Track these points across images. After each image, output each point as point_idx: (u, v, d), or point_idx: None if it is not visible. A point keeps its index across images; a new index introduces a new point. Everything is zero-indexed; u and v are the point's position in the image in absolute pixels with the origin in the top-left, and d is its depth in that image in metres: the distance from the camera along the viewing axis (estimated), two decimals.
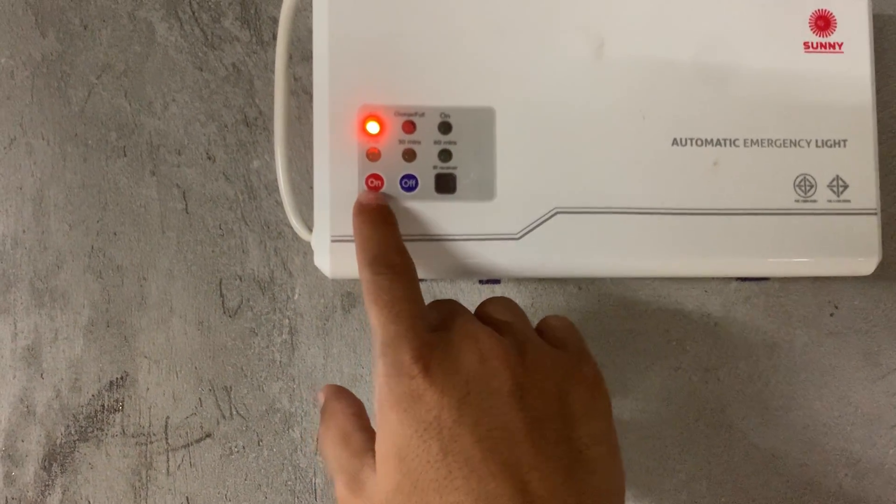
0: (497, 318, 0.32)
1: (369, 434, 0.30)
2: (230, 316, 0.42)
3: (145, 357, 0.42)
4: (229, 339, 0.42)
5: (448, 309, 0.32)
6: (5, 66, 0.42)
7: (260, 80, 0.43)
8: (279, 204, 0.42)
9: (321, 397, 0.33)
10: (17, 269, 0.42)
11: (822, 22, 0.37)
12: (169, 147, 0.42)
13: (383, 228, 0.34)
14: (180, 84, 0.42)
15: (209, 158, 0.42)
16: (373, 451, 0.29)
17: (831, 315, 0.45)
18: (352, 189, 0.35)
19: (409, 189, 0.35)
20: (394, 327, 0.29)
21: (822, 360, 0.45)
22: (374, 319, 0.30)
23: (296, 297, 0.43)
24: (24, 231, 0.42)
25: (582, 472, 0.29)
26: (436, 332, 0.30)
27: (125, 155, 0.42)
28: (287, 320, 0.43)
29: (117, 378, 0.42)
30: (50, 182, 0.42)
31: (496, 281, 0.39)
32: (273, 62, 0.42)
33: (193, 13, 0.43)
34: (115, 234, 0.42)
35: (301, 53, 0.42)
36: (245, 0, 0.43)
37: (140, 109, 0.42)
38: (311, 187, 0.40)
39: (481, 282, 0.42)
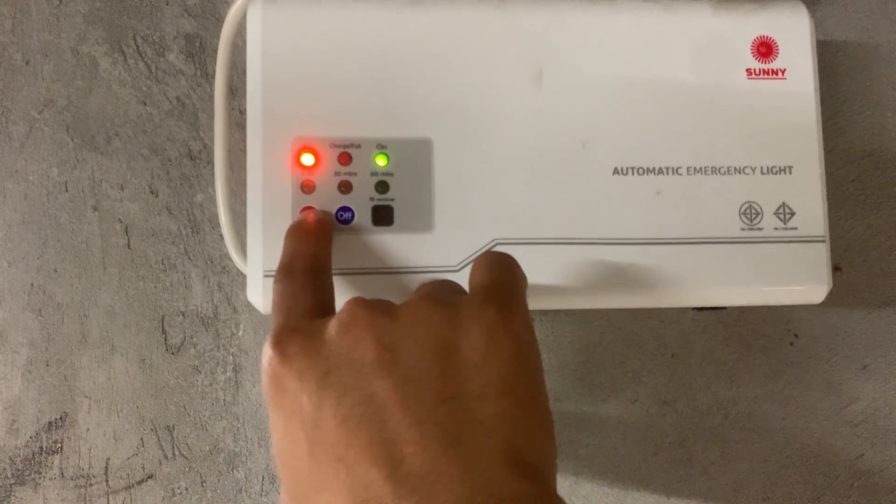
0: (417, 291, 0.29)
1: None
2: (173, 353, 0.41)
3: (86, 396, 0.41)
4: (172, 377, 0.41)
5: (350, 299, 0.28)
6: None
7: (204, 114, 0.42)
8: (223, 238, 0.41)
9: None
10: None
11: (765, 48, 0.37)
12: (111, 182, 0.42)
13: (295, 240, 0.33)
14: (124, 118, 0.42)
15: (152, 193, 0.42)
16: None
17: (791, 344, 0.44)
18: (285, 223, 0.34)
19: (346, 221, 0.35)
20: (274, 322, 0.28)
21: (782, 391, 0.44)
22: (272, 322, 0.29)
23: (240, 333, 0.42)
24: None
25: (472, 434, 0.24)
26: (303, 320, 0.28)
27: (67, 190, 0.41)
28: (231, 357, 0.42)
29: (56, 419, 0.41)
30: None
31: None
32: None
33: (137, 47, 0.42)
34: (55, 270, 0.41)
35: (243, 85, 0.42)
36: (190, 33, 0.43)
37: (82, 144, 0.42)
38: None
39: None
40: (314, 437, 0.24)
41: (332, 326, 0.26)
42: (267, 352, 0.27)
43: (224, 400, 0.41)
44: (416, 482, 0.22)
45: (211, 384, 0.41)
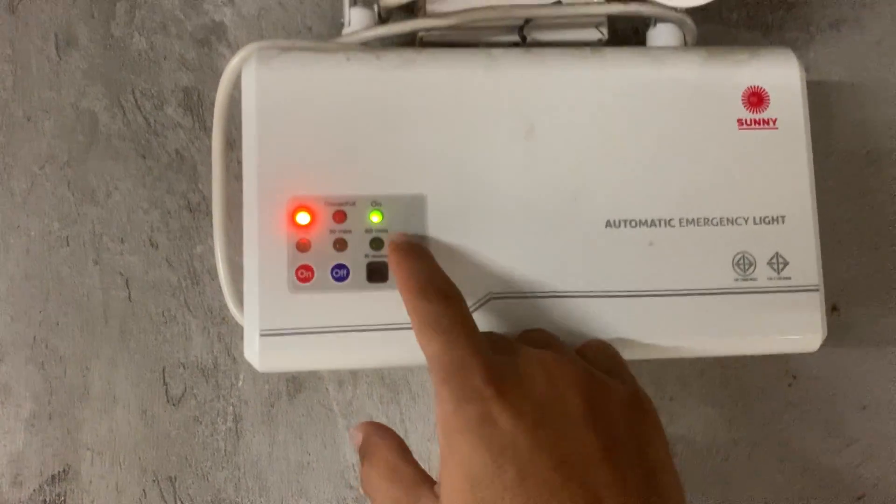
0: (543, 346, 0.32)
1: (419, 468, 0.30)
2: (174, 404, 0.42)
3: (88, 449, 0.41)
4: (173, 428, 0.42)
5: (500, 336, 0.32)
6: None
7: (203, 166, 0.43)
8: (221, 290, 0.42)
9: (357, 435, 0.32)
10: None
11: (755, 98, 0.37)
12: (112, 235, 0.42)
13: (425, 260, 0.33)
14: (123, 172, 0.42)
15: (152, 245, 0.42)
16: (427, 483, 0.29)
17: (790, 385, 0.45)
18: (281, 282, 0.35)
19: (341, 279, 0.35)
20: (458, 351, 0.29)
21: (782, 432, 0.44)
22: (432, 347, 0.29)
23: (240, 383, 0.42)
24: None
25: (655, 496, 0.28)
26: (500, 356, 0.30)
27: (68, 245, 0.42)
28: (231, 407, 0.42)
29: (59, 471, 0.41)
30: None
31: None
32: None
33: (136, 101, 0.43)
34: (57, 324, 0.42)
35: (240, 138, 0.42)
36: (188, 87, 0.43)
37: (83, 199, 0.42)
38: None
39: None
40: (527, 471, 0.26)
41: (539, 371, 0.29)
42: (472, 382, 0.28)
43: (225, 450, 0.42)
44: None
45: (212, 434, 0.42)
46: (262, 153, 0.35)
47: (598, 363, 0.32)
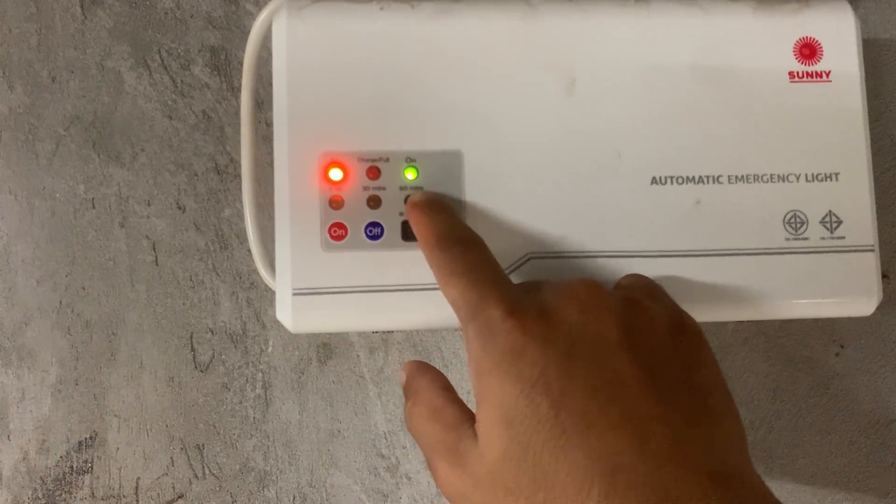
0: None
1: (461, 407, 0.29)
2: (202, 371, 0.41)
3: (115, 415, 0.41)
4: (201, 395, 0.41)
5: (531, 280, 0.32)
6: None
7: (231, 127, 0.42)
8: (251, 253, 0.41)
9: (403, 375, 0.32)
10: None
11: (808, 50, 0.36)
12: (138, 198, 0.41)
13: (443, 212, 0.33)
14: (149, 133, 0.41)
15: (179, 208, 0.41)
16: (469, 422, 0.28)
17: (836, 355, 0.43)
18: (314, 240, 0.33)
19: (375, 238, 0.34)
20: (478, 291, 0.28)
21: (828, 404, 0.43)
22: (454, 291, 0.29)
23: (269, 349, 0.41)
24: None
25: (707, 421, 0.26)
26: (525, 291, 0.29)
27: (94, 207, 0.41)
28: (260, 374, 0.41)
29: (86, 438, 0.40)
30: (17, 237, 0.41)
31: None
32: None
33: (163, 61, 0.42)
34: (83, 288, 0.41)
35: (269, 97, 0.41)
36: (215, 46, 0.42)
37: (108, 160, 0.41)
38: None
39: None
40: (561, 402, 0.25)
41: (571, 302, 0.28)
42: (493, 315, 0.27)
43: (254, 418, 0.41)
44: (664, 457, 0.24)
45: (240, 402, 0.41)
46: (293, 107, 0.34)
47: (635, 292, 0.31)
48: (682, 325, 0.29)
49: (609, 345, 0.27)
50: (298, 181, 0.34)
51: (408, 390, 0.31)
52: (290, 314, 0.33)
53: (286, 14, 0.34)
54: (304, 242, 0.33)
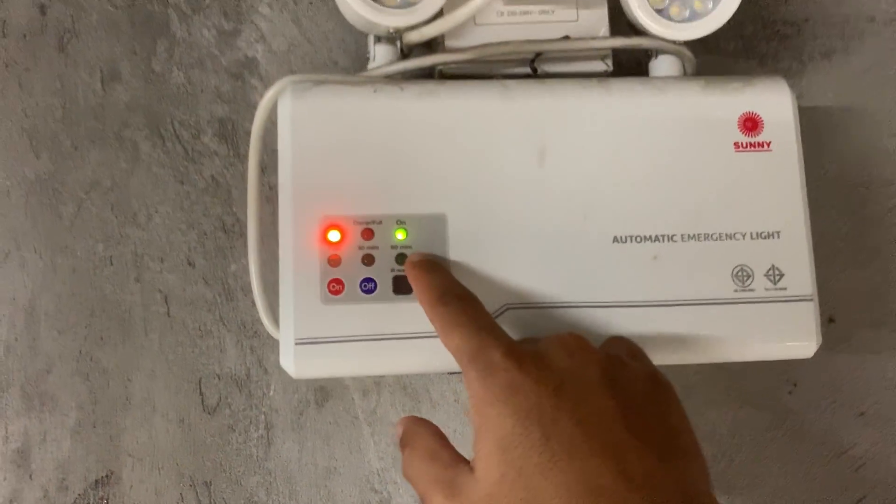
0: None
1: (456, 451, 0.32)
2: (209, 413, 0.45)
3: (129, 455, 0.44)
4: (209, 436, 0.44)
5: (525, 337, 0.36)
6: (1, 185, 0.45)
7: (237, 190, 0.46)
8: (255, 304, 0.45)
9: (400, 429, 0.35)
10: (9, 374, 0.44)
11: (751, 123, 0.40)
12: (152, 255, 0.45)
13: (440, 271, 0.37)
14: (163, 196, 0.46)
15: (189, 264, 0.45)
16: (464, 462, 0.31)
17: (790, 393, 0.47)
18: (314, 294, 0.37)
19: (369, 292, 0.38)
20: (478, 338, 0.32)
21: (783, 438, 0.47)
22: (454, 341, 0.33)
23: (271, 393, 0.45)
24: (16, 339, 0.44)
25: (676, 457, 0.31)
26: (521, 342, 0.33)
27: (111, 264, 0.45)
28: (263, 416, 0.45)
29: (102, 476, 0.44)
30: (41, 292, 0.45)
31: (456, 372, 0.41)
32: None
33: (175, 131, 0.46)
34: (101, 338, 0.45)
35: (275, 164, 0.46)
36: (223, 117, 0.46)
37: (125, 221, 0.45)
38: None
39: (450, 373, 0.44)
40: (551, 431, 0.29)
41: (559, 349, 0.32)
42: (493, 358, 0.31)
43: (257, 456, 0.44)
44: (640, 481, 0.28)
45: (245, 441, 0.45)
46: (297, 176, 0.38)
47: (617, 350, 0.35)
48: (656, 379, 0.34)
49: (593, 386, 0.31)
50: (301, 242, 0.38)
51: (405, 440, 0.34)
52: (293, 361, 0.37)
53: (291, 94, 0.39)
54: (306, 296, 0.37)
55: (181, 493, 0.44)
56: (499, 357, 0.31)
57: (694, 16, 0.41)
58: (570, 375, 0.31)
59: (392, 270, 0.38)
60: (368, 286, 0.38)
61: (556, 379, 0.31)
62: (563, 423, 0.29)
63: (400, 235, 0.38)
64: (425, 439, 0.33)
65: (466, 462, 0.31)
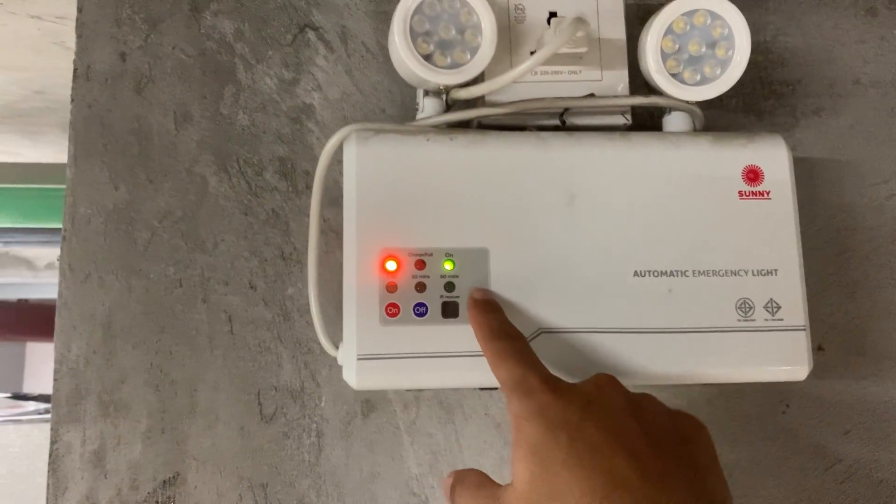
0: None
1: (497, 484, 0.37)
2: (266, 422, 0.50)
3: (194, 459, 0.49)
4: (265, 442, 0.50)
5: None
6: (84, 214, 0.51)
7: (294, 222, 0.51)
8: (309, 324, 0.50)
9: (448, 480, 0.39)
10: (87, 384, 0.49)
11: (753, 174, 0.46)
12: (218, 279, 0.51)
13: (495, 312, 0.42)
14: (228, 226, 0.51)
15: (251, 287, 0.51)
16: (506, 485, 0.35)
17: (783, 413, 0.53)
18: (374, 316, 0.43)
19: (421, 315, 0.43)
20: (521, 369, 0.37)
21: (777, 453, 0.52)
22: (502, 372, 0.38)
23: (322, 404, 0.50)
24: (94, 352, 0.49)
25: (699, 486, 0.34)
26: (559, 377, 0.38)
27: (181, 286, 0.50)
28: (315, 425, 0.50)
29: (170, 477, 0.49)
30: (117, 310, 0.50)
31: (494, 388, 0.46)
32: (306, 207, 0.51)
33: (240, 168, 0.52)
34: (170, 353, 0.50)
35: (328, 199, 0.51)
36: (283, 157, 0.52)
37: (194, 248, 0.51)
38: (336, 310, 0.48)
39: (481, 389, 0.50)
40: (577, 435, 0.34)
41: (591, 383, 0.37)
42: (532, 384, 0.36)
43: (308, 461, 0.50)
44: (657, 481, 0.32)
45: (298, 448, 0.50)
46: (360, 213, 0.44)
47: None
48: (686, 417, 0.38)
49: (618, 409, 0.36)
50: (362, 270, 0.43)
51: (455, 481, 0.39)
52: (355, 375, 0.42)
53: (355, 141, 0.45)
54: (366, 318, 0.43)
55: (240, 494, 0.49)
56: (537, 383, 0.37)
57: (704, 80, 0.47)
58: (596, 400, 0.36)
59: (441, 297, 0.44)
60: (420, 310, 0.43)
61: (583, 401, 0.36)
62: (588, 431, 0.34)
63: (448, 266, 0.44)
64: (472, 476, 0.38)
65: (508, 484, 0.36)
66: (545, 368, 0.38)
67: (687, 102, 0.48)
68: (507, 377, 0.38)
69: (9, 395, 2.16)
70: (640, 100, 0.48)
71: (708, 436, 0.38)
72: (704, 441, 0.38)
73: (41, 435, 2.05)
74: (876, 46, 0.57)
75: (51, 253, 2.16)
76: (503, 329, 0.41)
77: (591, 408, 0.35)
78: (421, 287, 0.44)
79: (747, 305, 0.45)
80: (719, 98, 0.48)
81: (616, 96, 0.49)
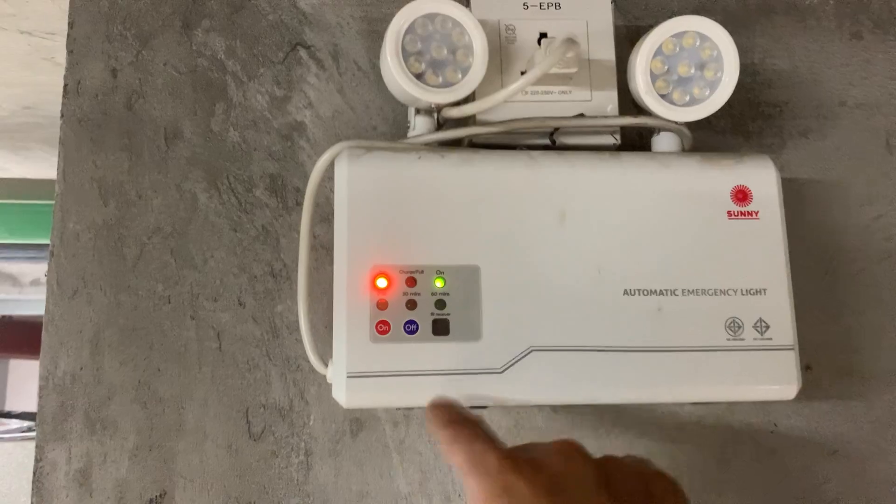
0: None
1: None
2: (255, 440, 0.49)
3: (182, 476, 0.49)
4: (254, 460, 0.49)
5: (518, 445, 0.38)
6: (73, 230, 0.50)
7: (285, 239, 0.51)
8: (298, 342, 0.50)
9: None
10: (74, 401, 0.49)
11: (741, 195, 0.47)
12: (207, 295, 0.50)
13: (451, 405, 0.40)
14: (218, 243, 0.51)
15: (240, 304, 0.51)
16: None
17: (772, 432, 0.53)
18: (364, 334, 0.43)
19: (411, 332, 0.43)
20: (478, 446, 0.35)
21: (766, 471, 0.52)
22: (458, 456, 0.35)
23: (311, 422, 0.50)
24: (81, 368, 0.49)
25: None
26: (516, 448, 0.36)
27: (170, 303, 0.50)
28: (303, 443, 0.50)
29: (156, 496, 0.48)
30: (105, 326, 0.50)
31: (483, 406, 0.46)
32: (296, 224, 0.51)
33: (230, 184, 0.52)
34: (159, 369, 0.49)
35: (318, 216, 0.51)
36: (274, 174, 0.52)
37: (183, 264, 0.51)
38: (326, 327, 0.48)
39: (472, 407, 0.50)
40: None
41: (554, 454, 0.35)
42: (489, 464, 0.34)
43: (297, 480, 0.49)
44: None
45: (286, 466, 0.49)
46: (352, 230, 0.44)
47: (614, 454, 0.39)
48: (657, 476, 0.37)
49: (588, 484, 0.34)
50: (353, 287, 0.43)
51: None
52: (345, 393, 0.42)
53: (347, 158, 0.45)
54: (357, 336, 0.43)
55: None
56: (494, 460, 0.34)
57: (693, 101, 0.48)
58: (564, 477, 0.34)
59: (432, 314, 0.44)
60: (411, 328, 0.43)
61: (550, 482, 0.33)
62: None
63: (439, 283, 0.44)
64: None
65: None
66: (502, 443, 0.36)
67: (676, 123, 0.49)
68: (465, 457, 0.35)
69: None
70: (629, 120, 0.49)
71: (682, 495, 0.37)
72: (675, 493, 0.37)
73: (24, 453, 2.03)
74: (861, 69, 0.57)
75: (36, 269, 2.15)
76: (459, 415, 0.39)
77: (559, 490, 0.33)
78: (412, 304, 0.44)
79: (736, 324, 0.45)
80: (708, 119, 0.48)
81: (605, 116, 0.49)
